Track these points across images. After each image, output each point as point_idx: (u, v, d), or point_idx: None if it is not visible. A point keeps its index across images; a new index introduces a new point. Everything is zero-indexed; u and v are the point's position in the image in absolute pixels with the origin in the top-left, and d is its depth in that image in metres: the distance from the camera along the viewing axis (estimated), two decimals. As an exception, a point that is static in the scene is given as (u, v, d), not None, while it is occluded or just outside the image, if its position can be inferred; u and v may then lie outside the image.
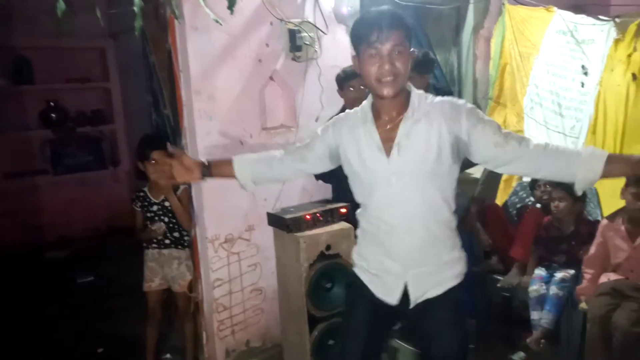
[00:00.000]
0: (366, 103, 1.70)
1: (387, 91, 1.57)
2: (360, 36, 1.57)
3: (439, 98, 1.66)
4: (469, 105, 1.63)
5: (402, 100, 1.63)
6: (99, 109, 5.63)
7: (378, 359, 1.89)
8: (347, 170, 1.75)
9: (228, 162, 1.82)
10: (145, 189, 2.85)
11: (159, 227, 2.79)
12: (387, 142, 1.62)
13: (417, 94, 1.65)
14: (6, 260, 4.65)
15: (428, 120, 1.60)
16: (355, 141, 1.67)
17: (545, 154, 1.54)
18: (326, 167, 1.81)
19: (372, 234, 1.74)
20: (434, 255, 1.70)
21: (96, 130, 5.65)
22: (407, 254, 1.68)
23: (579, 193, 1.60)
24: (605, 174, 1.49)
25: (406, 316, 1.80)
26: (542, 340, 2.79)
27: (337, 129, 1.73)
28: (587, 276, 2.78)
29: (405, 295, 1.71)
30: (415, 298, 1.71)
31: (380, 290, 1.75)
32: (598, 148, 1.58)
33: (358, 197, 1.75)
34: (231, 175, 1.82)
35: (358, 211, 1.79)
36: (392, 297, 1.72)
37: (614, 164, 1.48)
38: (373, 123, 1.65)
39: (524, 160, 1.57)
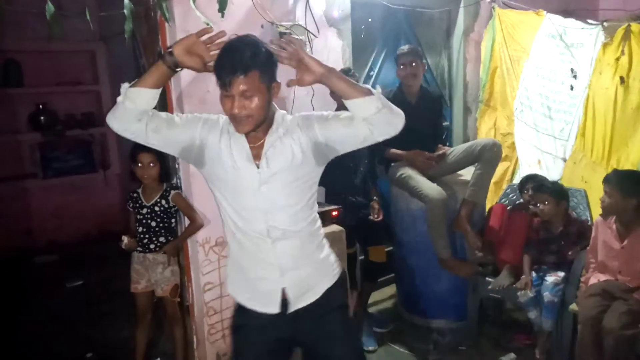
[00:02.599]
0: None
1: (241, 129, 1.60)
2: (216, 73, 1.56)
3: (294, 115, 1.73)
4: (317, 113, 1.71)
5: (267, 120, 1.66)
6: (89, 112, 5.58)
7: None
8: (213, 175, 1.71)
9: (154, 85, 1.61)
10: (139, 191, 2.84)
11: (129, 242, 2.76)
12: (256, 154, 1.66)
13: (280, 113, 1.71)
14: (-5, 264, 4.61)
15: (289, 134, 1.66)
16: (225, 148, 1.66)
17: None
18: (171, 152, 1.73)
19: (243, 247, 1.73)
20: (308, 255, 1.75)
21: (86, 134, 5.59)
22: (282, 259, 1.71)
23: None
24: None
25: (299, 342, 1.82)
26: (548, 345, 2.83)
27: (208, 129, 1.68)
28: (592, 266, 2.82)
29: (285, 304, 1.73)
30: (294, 301, 1.73)
31: (260, 302, 1.75)
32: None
33: (226, 208, 1.72)
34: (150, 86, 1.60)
35: (227, 227, 1.76)
36: (272, 306, 1.72)
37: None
38: (242, 135, 1.65)
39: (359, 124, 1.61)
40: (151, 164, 2.73)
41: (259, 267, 1.74)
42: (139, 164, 2.73)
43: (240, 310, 1.82)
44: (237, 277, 1.81)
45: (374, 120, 1.57)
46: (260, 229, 1.69)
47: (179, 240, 2.86)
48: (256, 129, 1.62)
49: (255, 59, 1.54)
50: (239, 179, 1.66)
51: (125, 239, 2.77)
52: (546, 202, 3.00)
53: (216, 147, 1.66)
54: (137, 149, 2.72)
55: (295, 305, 1.74)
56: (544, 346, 2.89)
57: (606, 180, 2.75)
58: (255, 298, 1.76)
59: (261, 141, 1.66)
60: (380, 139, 1.63)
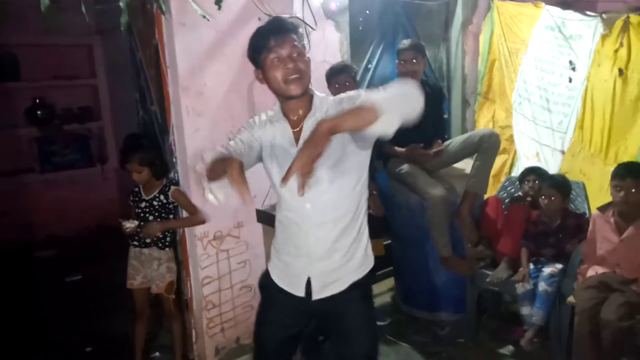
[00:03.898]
0: (276, 106, 1.78)
1: (294, 89, 1.65)
2: (259, 47, 1.66)
3: (336, 97, 1.76)
4: (354, 93, 1.69)
5: (307, 102, 1.72)
6: (86, 106, 5.56)
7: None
8: (268, 164, 1.77)
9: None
10: (140, 186, 2.84)
11: (130, 225, 2.72)
12: (297, 138, 1.71)
13: (318, 96, 1.75)
14: (-6, 259, 4.61)
15: (327, 116, 1.65)
16: (270, 138, 1.74)
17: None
18: (254, 161, 1.76)
19: (284, 226, 1.81)
20: (343, 247, 1.75)
21: (83, 128, 5.58)
22: (314, 248, 1.74)
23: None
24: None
25: (318, 319, 1.88)
26: (535, 339, 2.82)
27: (256, 130, 1.77)
28: (589, 258, 2.81)
29: (309, 289, 1.77)
30: (318, 291, 1.76)
31: (287, 283, 1.82)
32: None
33: (278, 190, 1.78)
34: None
35: (277, 209, 1.85)
36: (298, 290, 1.79)
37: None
38: (285, 121, 1.74)
39: None
40: (137, 171, 2.75)
41: (290, 251, 1.79)
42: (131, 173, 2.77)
43: (269, 274, 1.89)
44: (274, 255, 1.89)
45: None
46: (303, 212, 1.71)
47: (170, 223, 2.80)
48: (304, 93, 1.68)
49: (295, 24, 1.69)
50: (284, 162, 1.69)
51: (128, 221, 2.75)
52: (552, 197, 2.98)
53: (264, 139, 1.76)
54: (123, 161, 2.75)
55: (318, 295, 1.77)
56: (531, 338, 2.86)
57: (629, 173, 2.67)
58: (285, 278, 1.83)
59: (301, 125, 1.72)
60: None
